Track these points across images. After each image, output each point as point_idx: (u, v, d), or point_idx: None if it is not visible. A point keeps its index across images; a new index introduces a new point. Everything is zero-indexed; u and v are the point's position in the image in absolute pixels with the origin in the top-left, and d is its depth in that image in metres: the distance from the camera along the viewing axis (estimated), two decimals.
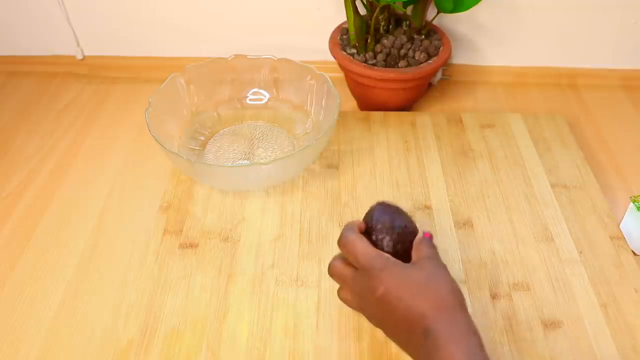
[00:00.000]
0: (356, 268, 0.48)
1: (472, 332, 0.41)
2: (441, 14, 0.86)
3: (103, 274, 0.63)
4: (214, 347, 0.53)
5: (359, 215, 0.56)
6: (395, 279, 0.44)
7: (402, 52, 0.79)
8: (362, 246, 0.47)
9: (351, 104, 0.90)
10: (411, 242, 0.49)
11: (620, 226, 0.65)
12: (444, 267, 0.46)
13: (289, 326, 0.55)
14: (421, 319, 0.41)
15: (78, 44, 0.96)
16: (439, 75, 0.94)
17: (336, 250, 0.62)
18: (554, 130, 0.79)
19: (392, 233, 0.49)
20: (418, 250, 0.48)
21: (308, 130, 0.77)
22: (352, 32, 0.80)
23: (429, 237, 0.49)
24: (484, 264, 0.61)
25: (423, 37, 0.82)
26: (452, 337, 0.40)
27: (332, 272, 0.51)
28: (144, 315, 0.56)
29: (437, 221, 0.66)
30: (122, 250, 0.66)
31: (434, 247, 0.48)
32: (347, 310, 0.56)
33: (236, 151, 0.75)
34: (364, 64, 0.78)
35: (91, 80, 0.96)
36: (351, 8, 0.76)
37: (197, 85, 0.77)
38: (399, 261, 0.46)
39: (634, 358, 0.52)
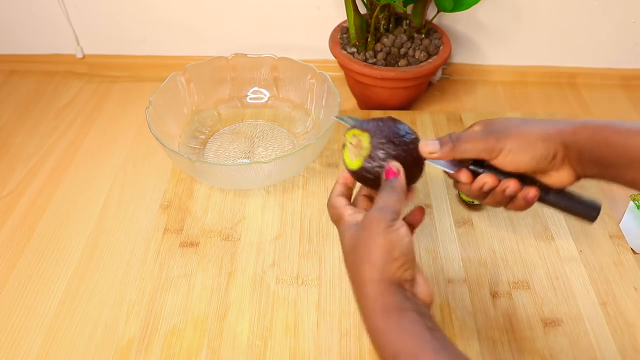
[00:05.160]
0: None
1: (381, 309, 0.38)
2: (441, 13, 0.86)
3: (103, 273, 0.63)
4: (214, 346, 0.54)
5: None
6: (344, 243, 0.43)
7: (402, 51, 0.80)
8: (332, 211, 0.46)
9: (351, 102, 0.91)
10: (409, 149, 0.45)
11: (620, 225, 0.65)
12: (377, 232, 0.40)
13: (290, 324, 0.55)
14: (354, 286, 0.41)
15: (78, 43, 0.96)
16: (439, 74, 0.94)
17: (336, 249, 0.62)
18: None
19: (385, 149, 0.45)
20: (376, 198, 0.43)
21: (308, 129, 0.77)
22: (352, 31, 0.80)
23: (394, 176, 0.43)
24: (484, 263, 0.61)
25: (423, 36, 0.82)
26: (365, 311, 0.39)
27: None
28: (144, 314, 0.56)
29: (437, 220, 0.66)
30: (123, 249, 0.66)
31: (393, 193, 0.42)
32: (348, 308, 0.56)
33: (236, 150, 0.75)
34: (364, 62, 0.78)
35: (91, 79, 0.96)
36: (351, 7, 0.76)
37: (198, 84, 0.77)
38: (348, 224, 0.43)
39: (633, 356, 0.53)
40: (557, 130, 0.42)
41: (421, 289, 0.40)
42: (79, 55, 0.97)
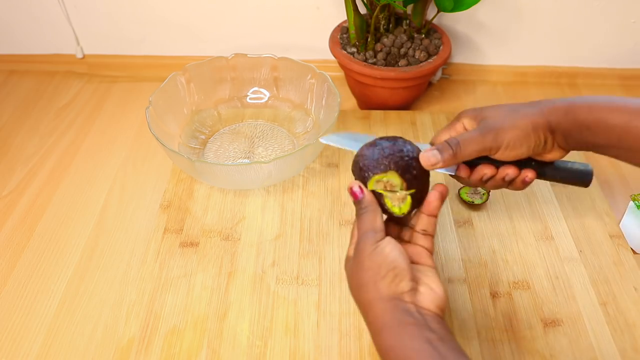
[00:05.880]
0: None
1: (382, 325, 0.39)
2: (441, 13, 0.86)
3: (103, 273, 0.63)
4: (214, 346, 0.54)
5: None
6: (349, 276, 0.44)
7: (402, 51, 0.80)
8: (355, 233, 0.46)
9: (351, 102, 0.91)
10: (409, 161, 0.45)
11: (620, 225, 0.65)
12: (360, 259, 0.42)
13: (290, 324, 0.55)
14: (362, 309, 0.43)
15: (78, 43, 0.96)
16: (439, 74, 0.94)
17: (336, 249, 0.62)
18: None
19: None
20: (358, 226, 0.44)
21: (308, 129, 0.77)
22: (352, 31, 0.80)
23: (358, 197, 0.44)
24: (484, 263, 0.61)
25: (423, 36, 0.82)
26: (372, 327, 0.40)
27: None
28: (144, 314, 0.56)
29: (437, 220, 0.66)
30: (123, 249, 0.66)
31: (367, 214, 0.43)
32: (348, 308, 0.56)
33: (236, 150, 0.75)
34: (364, 62, 0.78)
35: (91, 79, 0.96)
36: (351, 7, 0.76)
37: (198, 84, 0.77)
38: (351, 256, 0.44)
39: (633, 356, 0.53)
40: (544, 119, 0.45)
41: (424, 297, 0.40)
42: (79, 55, 0.97)
